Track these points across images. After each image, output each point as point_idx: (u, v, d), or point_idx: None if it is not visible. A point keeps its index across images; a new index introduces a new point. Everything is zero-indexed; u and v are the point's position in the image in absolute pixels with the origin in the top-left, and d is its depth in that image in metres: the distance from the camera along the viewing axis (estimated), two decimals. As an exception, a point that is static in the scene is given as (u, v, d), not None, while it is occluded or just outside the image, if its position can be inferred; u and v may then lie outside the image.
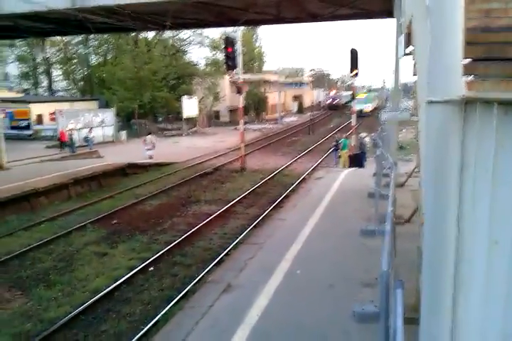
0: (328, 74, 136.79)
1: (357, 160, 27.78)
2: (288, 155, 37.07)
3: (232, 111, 70.64)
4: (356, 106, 37.34)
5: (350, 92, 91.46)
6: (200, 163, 32.51)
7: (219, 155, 36.16)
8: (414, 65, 6.80)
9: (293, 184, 24.69)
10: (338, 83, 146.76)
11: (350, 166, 27.66)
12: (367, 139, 31.27)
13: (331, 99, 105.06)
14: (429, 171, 4.15)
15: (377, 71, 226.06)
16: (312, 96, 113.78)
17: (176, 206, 21.52)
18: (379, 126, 24.21)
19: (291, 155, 36.99)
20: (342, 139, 30.63)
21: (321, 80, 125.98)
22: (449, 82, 3.94)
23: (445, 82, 3.94)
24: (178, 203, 22.02)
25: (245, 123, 43.77)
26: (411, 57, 7.46)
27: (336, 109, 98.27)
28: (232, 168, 31.11)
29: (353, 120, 35.23)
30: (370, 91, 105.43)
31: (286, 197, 21.41)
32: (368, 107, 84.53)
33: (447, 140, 4.01)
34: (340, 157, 29.61)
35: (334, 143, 31.97)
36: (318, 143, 44.60)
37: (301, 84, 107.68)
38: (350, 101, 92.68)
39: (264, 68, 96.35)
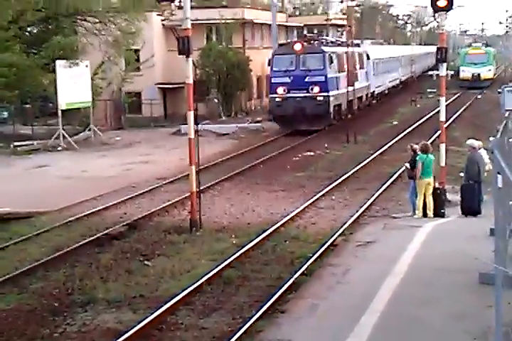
0: (387, 6, 78.22)
1: (466, 201, 15.25)
2: (296, 192, 20.30)
3: (170, 92, 41.21)
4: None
5: (429, 48, 64.34)
6: (94, 214, 17.76)
7: (139, 195, 20.09)
8: None
9: (308, 258, 13.01)
10: (408, 26, 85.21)
11: (437, 213, 15.70)
12: (483, 154, 15.93)
13: (277, 86, 31.85)
14: None
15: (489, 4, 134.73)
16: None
17: (38, 316, 10.88)
18: (499, 121, 14.13)
19: (302, 192, 20.25)
20: (419, 154, 15.68)
21: (371, 19, 74.18)
22: None
23: None
24: (46, 308, 11.19)
25: (199, 119, 18.52)
26: None
27: (308, 124, 32.13)
28: (170, 223, 16.83)
29: (442, 109, 17.87)
30: (486, 45, 64.76)
31: (294, 287, 11.37)
32: (488, 72, 55.89)
33: None
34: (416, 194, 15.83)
35: (408, 162, 16.27)
36: (365, 163, 24.50)
37: (321, 30, 56.80)
38: (432, 68, 63.08)
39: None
